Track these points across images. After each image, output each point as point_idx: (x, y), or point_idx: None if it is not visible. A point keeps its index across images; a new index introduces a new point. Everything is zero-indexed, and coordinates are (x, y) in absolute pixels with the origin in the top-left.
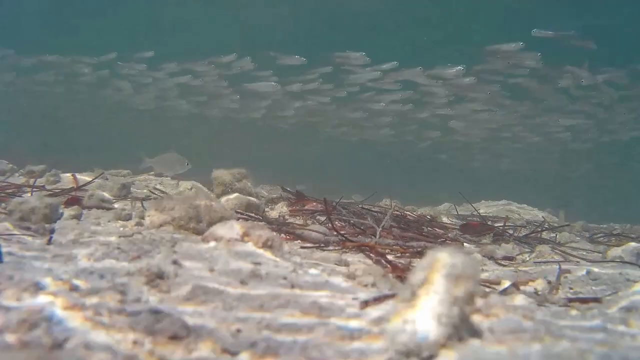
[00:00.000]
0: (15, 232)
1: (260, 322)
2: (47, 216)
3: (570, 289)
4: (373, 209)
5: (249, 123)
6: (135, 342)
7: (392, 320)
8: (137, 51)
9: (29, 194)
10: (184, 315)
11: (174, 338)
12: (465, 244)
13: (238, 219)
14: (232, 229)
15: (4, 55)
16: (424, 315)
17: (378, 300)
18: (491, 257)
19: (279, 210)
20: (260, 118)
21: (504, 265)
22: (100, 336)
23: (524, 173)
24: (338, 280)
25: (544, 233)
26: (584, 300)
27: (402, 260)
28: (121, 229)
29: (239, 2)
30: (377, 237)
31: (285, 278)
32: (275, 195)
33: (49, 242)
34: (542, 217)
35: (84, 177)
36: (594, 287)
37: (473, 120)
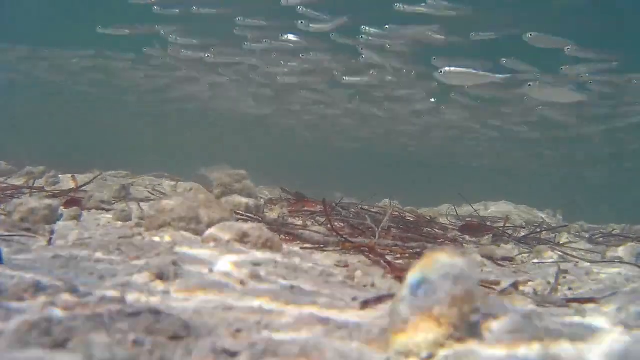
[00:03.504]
0: (15, 233)
1: (259, 322)
2: (47, 217)
3: (569, 289)
4: (372, 210)
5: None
6: (135, 342)
7: (390, 320)
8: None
9: (28, 195)
10: (184, 316)
11: (174, 338)
12: (464, 244)
13: (238, 220)
14: (231, 230)
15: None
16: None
17: (378, 300)
18: (490, 258)
19: (278, 211)
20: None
21: (503, 266)
22: (101, 337)
23: (526, 172)
24: (337, 281)
25: (543, 233)
26: (582, 301)
27: (401, 261)
28: (121, 230)
29: None
30: (377, 237)
31: (284, 279)
32: (274, 197)
33: (49, 243)
34: (542, 217)
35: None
36: (592, 287)
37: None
